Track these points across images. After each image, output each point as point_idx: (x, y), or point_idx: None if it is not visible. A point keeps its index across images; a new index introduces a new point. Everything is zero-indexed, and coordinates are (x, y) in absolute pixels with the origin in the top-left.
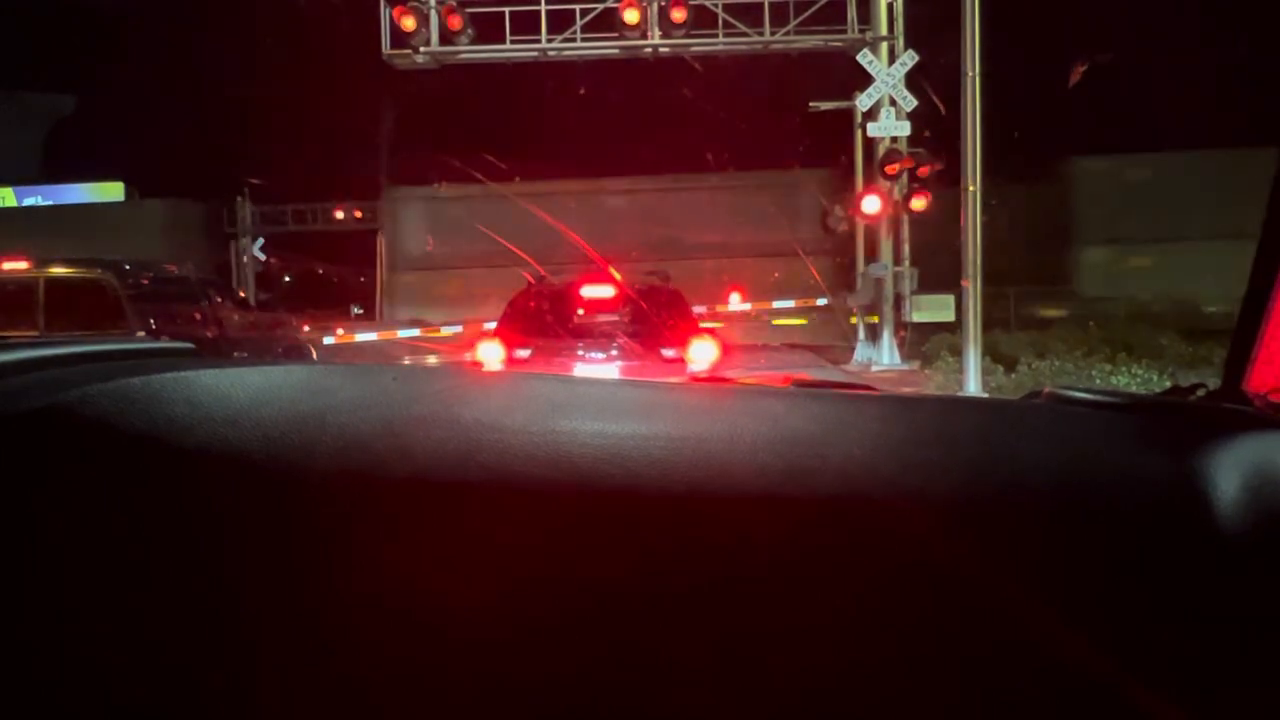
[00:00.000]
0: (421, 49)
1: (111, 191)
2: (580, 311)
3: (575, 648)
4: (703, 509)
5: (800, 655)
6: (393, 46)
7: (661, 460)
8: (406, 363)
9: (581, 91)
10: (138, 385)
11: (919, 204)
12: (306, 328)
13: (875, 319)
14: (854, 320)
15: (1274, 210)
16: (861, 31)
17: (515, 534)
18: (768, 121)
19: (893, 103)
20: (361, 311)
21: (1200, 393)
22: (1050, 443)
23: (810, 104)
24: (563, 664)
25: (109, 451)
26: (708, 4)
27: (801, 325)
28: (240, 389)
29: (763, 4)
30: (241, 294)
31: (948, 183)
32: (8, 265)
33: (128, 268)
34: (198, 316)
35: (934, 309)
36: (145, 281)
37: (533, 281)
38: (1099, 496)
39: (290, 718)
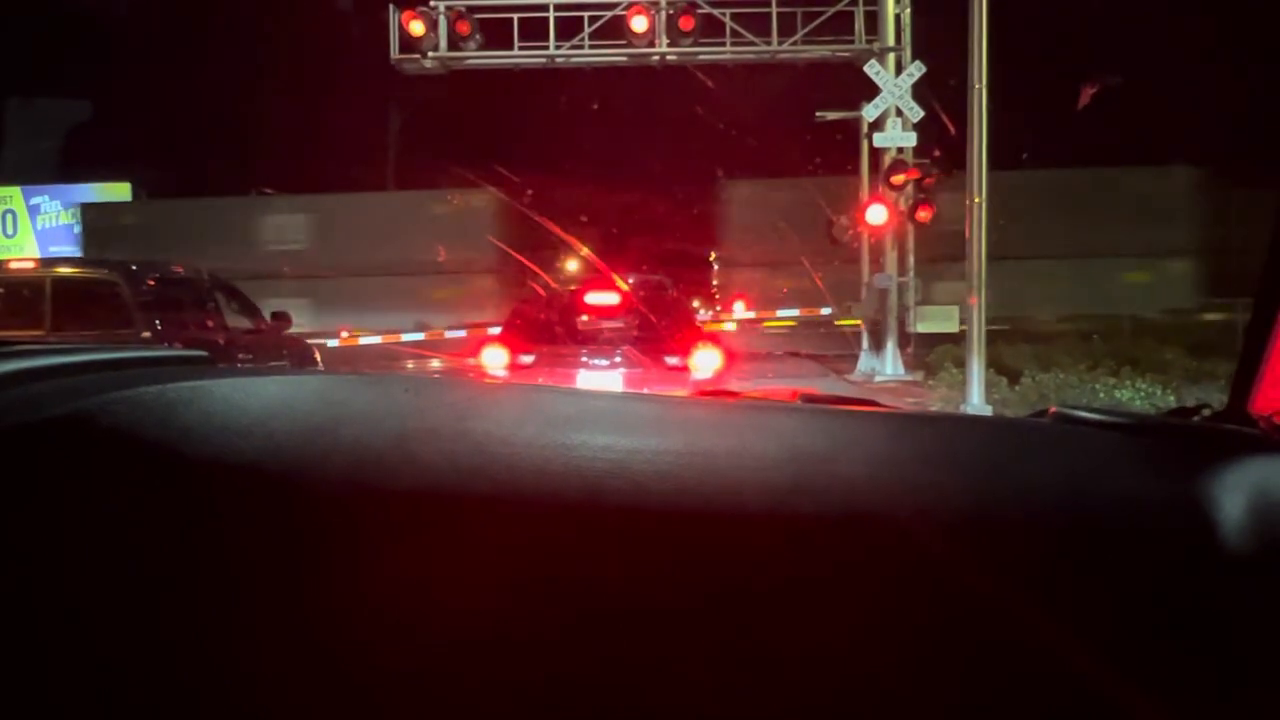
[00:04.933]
0: (430, 54)
1: (119, 192)
2: (584, 318)
3: (583, 659)
4: (710, 523)
5: (804, 670)
6: (401, 51)
7: (670, 474)
8: (410, 367)
9: (595, 106)
10: (153, 394)
11: (924, 215)
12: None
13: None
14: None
15: None
16: (869, 42)
17: (525, 546)
18: (774, 131)
19: (899, 113)
20: None
21: (1205, 413)
22: (1056, 463)
23: (817, 114)
24: (571, 675)
25: (124, 460)
26: (716, 13)
27: (790, 328)
28: (254, 400)
29: (770, 14)
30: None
31: (955, 194)
32: (14, 264)
33: (135, 268)
34: (205, 319)
35: (938, 319)
36: (152, 283)
37: (542, 294)
38: (1104, 517)
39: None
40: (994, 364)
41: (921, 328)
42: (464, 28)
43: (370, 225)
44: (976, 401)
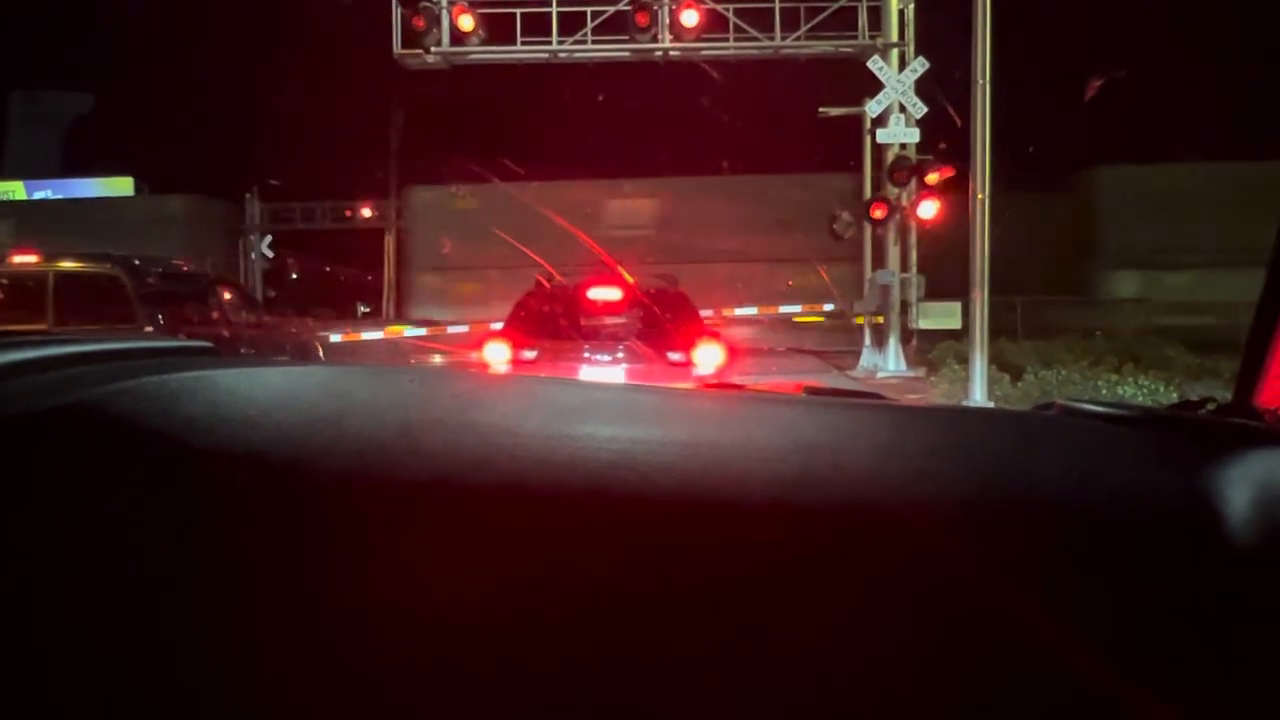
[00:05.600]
0: (432, 49)
1: (120, 186)
2: (587, 313)
3: (587, 649)
4: (715, 514)
5: (808, 661)
6: (404, 47)
7: (675, 466)
8: (413, 363)
9: (600, 98)
10: (158, 384)
11: (927, 211)
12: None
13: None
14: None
15: None
16: (872, 38)
17: (530, 537)
18: (777, 126)
19: (902, 109)
20: (369, 310)
21: (1210, 407)
22: (1061, 455)
23: (820, 109)
24: (575, 665)
25: (129, 450)
26: (719, 8)
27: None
28: (260, 390)
29: (774, 9)
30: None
31: (957, 191)
32: (18, 258)
33: (137, 263)
34: (208, 314)
35: (940, 316)
36: (155, 277)
37: (544, 283)
38: (1109, 509)
39: (300, 716)
40: (996, 360)
41: (924, 324)
42: (466, 23)
43: (91, 229)
44: (979, 398)
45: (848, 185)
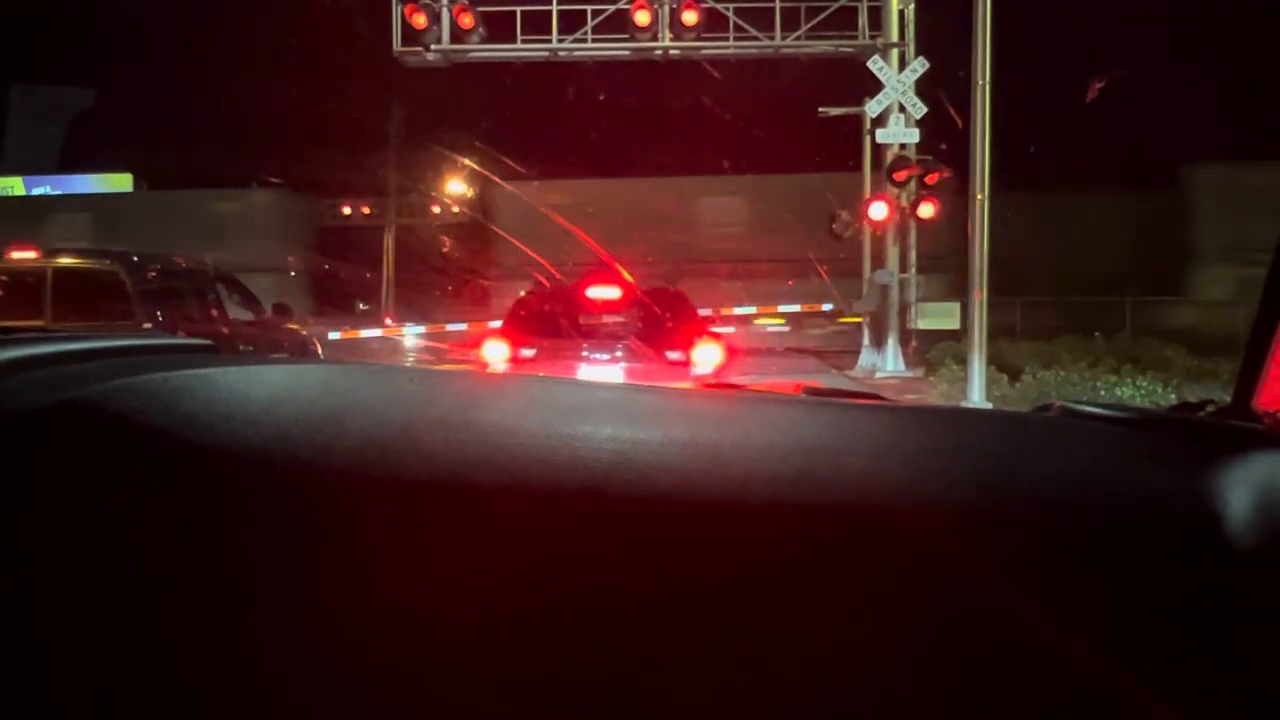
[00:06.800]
0: (432, 47)
1: (119, 183)
2: (585, 312)
3: (587, 649)
4: (715, 514)
5: (807, 660)
6: (403, 44)
7: (675, 466)
8: (412, 360)
9: (602, 97)
10: (159, 382)
11: (926, 211)
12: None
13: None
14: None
15: None
16: (873, 37)
17: (530, 537)
18: (777, 126)
19: (902, 109)
20: (367, 308)
21: (1210, 409)
22: (1061, 456)
23: (820, 109)
24: (576, 665)
25: (129, 447)
26: (719, 7)
27: (780, 325)
28: (260, 388)
29: (774, 8)
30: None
31: (958, 191)
32: (16, 254)
33: (137, 259)
34: (207, 311)
35: (939, 316)
36: (154, 273)
37: (545, 283)
38: (1109, 511)
39: (300, 716)
40: (995, 361)
41: (923, 324)
42: (467, 21)
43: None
44: (977, 398)
45: (849, 185)
